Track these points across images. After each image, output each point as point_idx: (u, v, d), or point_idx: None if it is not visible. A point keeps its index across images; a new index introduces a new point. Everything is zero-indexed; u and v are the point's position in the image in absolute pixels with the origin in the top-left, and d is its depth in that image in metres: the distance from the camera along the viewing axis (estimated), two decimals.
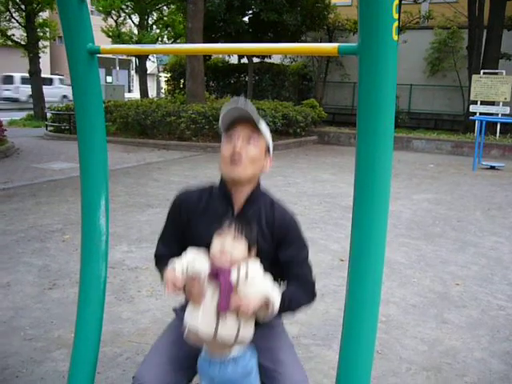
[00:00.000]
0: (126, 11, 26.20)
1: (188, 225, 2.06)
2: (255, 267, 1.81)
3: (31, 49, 20.79)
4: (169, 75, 22.42)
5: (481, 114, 14.26)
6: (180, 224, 2.09)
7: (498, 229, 6.73)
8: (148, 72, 28.63)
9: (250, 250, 1.84)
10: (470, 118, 13.98)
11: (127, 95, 29.20)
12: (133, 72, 48.33)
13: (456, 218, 7.20)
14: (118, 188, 8.18)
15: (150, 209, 7.06)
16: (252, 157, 1.94)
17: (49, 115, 17.20)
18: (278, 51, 1.51)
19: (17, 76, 30.75)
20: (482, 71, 15.66)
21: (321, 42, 20.68)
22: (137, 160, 11.49)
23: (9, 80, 31.44)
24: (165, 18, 26.33)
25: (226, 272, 1.77)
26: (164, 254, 2.11)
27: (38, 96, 21.25)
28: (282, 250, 2.00)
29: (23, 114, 21.52)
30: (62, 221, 6.39)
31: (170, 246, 2.12)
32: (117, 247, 5.28)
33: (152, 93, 31.72)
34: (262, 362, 1.98)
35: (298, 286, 1.98)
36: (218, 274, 1.76)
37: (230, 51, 1.52)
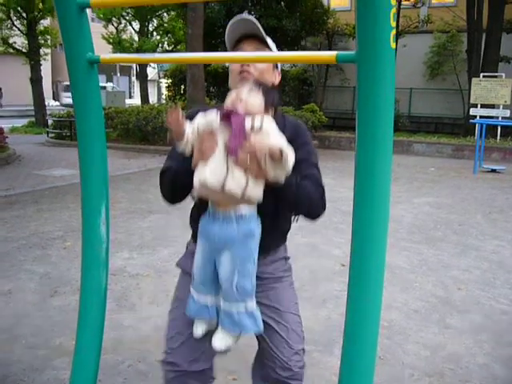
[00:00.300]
0: (127, 18, 26.29)
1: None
2: (270, 122, 1.75)
3: (32, 56, 20.87)
4: (169, 81, 22.45)
5: (481, 117, 14.26)
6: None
7: (500, 232, 6.72)
8: (149, 78, 28.72)
9: (267, 109, 1.80)
10: (471, 121, 13.98)
11: (128, 101, 29.22)
12: (133, 78, 48.42)
13: (457, 222, 7.20)
14: (119, 194, 8.19)
15: (151, 215, 7.06)
16: (260, 70, 1.98)
17: (50, 122, 17.25)
18: (277, 60, 1.52)
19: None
20: (481, 74, 15.67)
21: (320, 46, 20.74)
22: (138, 166, 11.51)
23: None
24: (165, 25, 26.41)
25: (239, 115, 1.71)
26: (170, 166, 2.05)
27: (39, 103, 21.30)
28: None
29: (25, 121, 21.56)
30: (64, 228, 6.39)
31: (178, 159, 1.98)
32: (118, 254, 5.28)
33: (153, 99, 31.76)
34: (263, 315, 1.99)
35: (310, 183, 1.96)
36: (230, 117, 1.70)
37: (229, 60, 1.53)
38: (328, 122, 18.00)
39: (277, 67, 2.12)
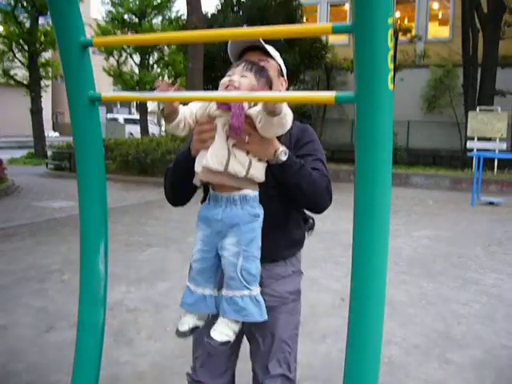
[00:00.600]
0: (128, 51, 26.65)
1: None
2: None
3: (33, 88, 21.08)
4: None
5: (478, 149, 14.35)
6: None
7: (499, 265, 6.69)
8: (148, 110, 28.94)
9: (262, 88, 1.82)
10: (468, 154, 14.06)
11: (127, 132, 29.40)
12: (133, 110, 48.81)
13: (456, 255, 7.17)
14: (118, 227, 8.17)
15: (149, 248, 7.04)
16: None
17: (49, 153, 17.33)
18: (276, 100, 1.55)
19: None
20: (477, 108, 15.84)
21: (319, 80, 20.98)
22: (136, 198, 11.52)
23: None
24: (165, 58, 26.76)
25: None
26: (175, 162, 2.07)
27: (38, 134, 21.43)
28: (297, 150, 2.02)
29: (24, 152, 21.65)
30: (62, 261, 6.36)
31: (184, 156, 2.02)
32: (116, 288, 5.24)
33: (152, 131, 31.96)
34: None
35: (315, 172, 1.95)
36: (227, 104, 1.72)
37: (229, 99, 1.55)
38: (327, 155, 18.00)
39: (282, 75, 2.14)
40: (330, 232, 8.11)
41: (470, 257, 7.10)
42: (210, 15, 18.30)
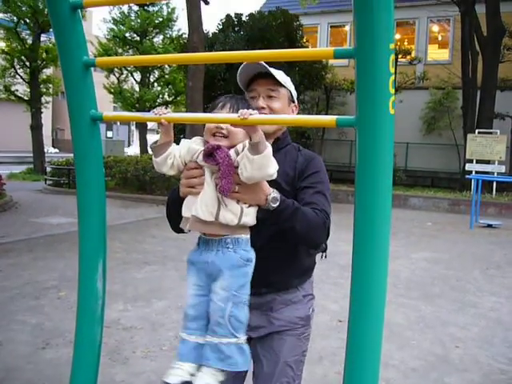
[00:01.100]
0: (128, 69, 26.80)
1: None
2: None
3: (34, 104, 21.17)
4: None
5: (477, 172, 14.42)
6: None
7: (497, 288, 6.67)
8: (148, 127, 29.03)
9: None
10: (467, 176, 14.11)
11: (127, 150, 29.49)
12: (133, 127, 48.97)
13: (455, 278, 7.15)
14: (116, 244, 8.14)
15: (147, 266, 7.01)
16: (276, 111, 2.00)
17: (48, 169, 17.34)
18: (277, 123, 1.56)
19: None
20: (476, 130, 15.93)
21: (318, 100, 21.09)
22: (135, 216, 11.51)
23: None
24: (166, 76, 26.89)
25: (222, 151, 1.65)
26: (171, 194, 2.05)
27: (38, 150, 21.47)
28: (300, 181, 1.98)
29: (23, 168, 21.68)
30: (58, 277, 6.33)
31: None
32: (113, 306, 5.21)
33: (151, 148, 32.02)
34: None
35: (310, 209, 1.88)
36: (213, 154, 1.66)
37: (230, 121, 1.56)
38: None
39: (293, 100, 2.14)
40: (328, 253, 8.08)
41: (468, 280, 7.08)
42: (211, 34, 18.45)
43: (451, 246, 9.62)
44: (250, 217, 1.75)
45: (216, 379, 1.70)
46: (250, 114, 1.50)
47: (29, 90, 21.70)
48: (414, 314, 5.54)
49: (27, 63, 21.02)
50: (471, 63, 17.25)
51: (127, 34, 25.47)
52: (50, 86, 23.39)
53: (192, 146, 1.79)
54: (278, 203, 1.75)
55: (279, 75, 2.05)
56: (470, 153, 15.47)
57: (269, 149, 1.63)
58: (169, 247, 8.16)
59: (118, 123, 44.67)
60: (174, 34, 26.24)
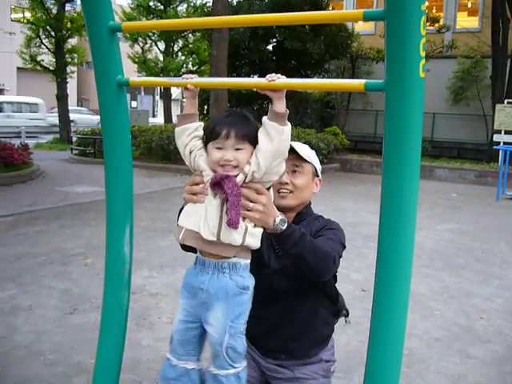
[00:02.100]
0: (153, 38, 26.71)
1: None
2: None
3: (59, 74, 21.28)
4: None
5: (505, 143, 14.11)
6: None
7: None
8: (172, 97, 29.03)
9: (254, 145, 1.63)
10: (494, 147, 13.85)
11: (151, 120, 29.57)
12: (157, 97, 49.03)
13: (480, 249, 7.09)
14: (141, 213, 8.23)
15: (171, 234, 7.07)
16: (300, 187, 1.99)
17: (74, 139, 17.51)
18: (305, 87, 1.53)
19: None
20: (506, 101, 15.55)
21: (344, 70, 20.78)
22: (160, 185, 11.59)
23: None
24: (190, 46, 26.76)
25: (230, 181, 1.57)
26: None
27: (64, 120, 21.65)
28: (315, 235, 1.94)
29: (49, 137, 21.92)
30: (85, 245, 6.44)
31: None
32: (138, 272, 5.29)
33: (176, 118, 32.09)
34: None
35: (319, 240, 1.86)
36: (220, 183, 1.58)
37: (258, 86, 1.54)
38: (350, 146, 17.99)
39: (317, 175, 2.09)
40: (352, 223, 8.08)
41: (493, 252, 7.01)
42: (235, 2, 18.24)
43: (477, 217, 9.51)
44: (254, 239, 1.66)
45: None
46: (278, 78, 1.48)
47: (54, 59, 21.78)
48: (437, 284, 5.53)
49: (52, 33, 21.07)
50: (502, 31, 16.76)
51: (151, 3, 25.33)
52: (75, 55, 23.47)
53: (199, 163, 1.70)
54: (286, 225, 1.67)
55: (303, 150, 2.01)
56: (498, 123, 15.13)
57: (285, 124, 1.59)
58: None
59: (143, 93, 44.76)
60: (198, 3, 26.01)
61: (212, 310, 1.68)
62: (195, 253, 1.81)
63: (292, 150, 1.96)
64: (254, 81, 1.56)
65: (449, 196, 12.09)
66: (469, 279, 5.76)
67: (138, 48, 27.50)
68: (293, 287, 1.94)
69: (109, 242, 1.93)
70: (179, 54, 27.91)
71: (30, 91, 38.90)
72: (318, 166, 2.10)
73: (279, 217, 1.67)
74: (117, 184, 1.88)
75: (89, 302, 4.60)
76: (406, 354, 3.79)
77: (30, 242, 6.49)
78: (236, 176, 1.59)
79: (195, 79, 1.65)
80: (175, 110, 35.44)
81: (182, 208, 1.81)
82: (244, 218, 1.62)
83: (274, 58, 18.29)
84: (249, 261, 1.72)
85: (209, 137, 1.66)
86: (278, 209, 1.83)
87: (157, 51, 27.97)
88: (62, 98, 21.61)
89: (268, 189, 1.68)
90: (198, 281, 1.70)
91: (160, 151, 14.52)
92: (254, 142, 1.61)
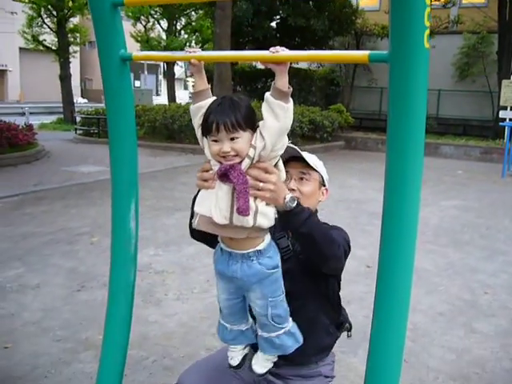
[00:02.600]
0: (155, 17, 26.52)
1: None
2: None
3: (62, 54, 21.19)
4: None
5: (511, 119, 14.01)
6: None
7: None
8: (176, 76, 28.90)
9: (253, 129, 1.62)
10: (500, 123, 13.75)
11: (155, 99, 29.49)
12: (160, 76, 48.82)
13: (485, 226, 7.09)
14: (146, 192, 8.25)
15: (176, 212, 7.11)
16: (306, 194, 1.98)
17: (78, 119, 17.50)
18: (308, 58, 1.52)
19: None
20: None
21: (348, 46, 20.60)
22: (164, 164, 11.60)
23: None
24: (193, 24, 26.57)
25: (235, 169, 1.57)
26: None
27: (67, 100, 21.60)
28: None
29: (53, 118, 21.91)
30: (90, 224, 6.48)
31: None
32: (144, 250, 5.33)
33: (179, 97, 31.99)
34: None
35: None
36: (227, 174, 1.58)
37: (263, 58, 1.52)
38: (355, 123, 17.89)
39: (324, 184, 2.09)
40: (357, 200, 8.09)
41: (498, 228, 7.02)
42: None
43: (482, 194, 9.50)
44: (266, 218, 1.66)
45: (270, 361, 1.88)
46: (282, 50, 1.47)
47: (56, 39, 21.67)
48: (442, 260, 5.55)
49: (54, 12, 20.90)
50: (509, 5, 16.52)
51: None
52: (77, 35, 23.34)
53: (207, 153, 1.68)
54: (295, 203, 1.68)
55: (311, 159, 2.02)
56: (504, 99, 14.99)
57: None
58: None
59: (146, 73, 44.52)
60: None
61: (251, 291, 1.75)
62: (205, 243, 1.88)
63: (299, 158, 1.98)
64: (258, 53, 1.54)
65: (454, 173, 12.06)
66: (473, 255, 5.77)
67: (140, 27, 27.32)
68: (295, 290, 1.94)
69: (114, 218, 1.94)
70: (182, 32, 27.74)
71: (33, 72, 38.81)
72: (326, 176, 2.10)
73: (289, 194, 1.68)
74: (122, 157, 1.88)
75: (95, 280, 4.65)
76: (411, 329, 3.82)
77: (36, 222, 6.53)
78: (240, 163, 1.59)
79: (198, 53, 1.64)
80: (178, 89, 35.30)
81: (197, 194, 1.80)
82: (255, 198, 1.63)
83: (278, 35, 18.12)
84: (269, 239, 1.74)
85: (204, 130, 1.64)
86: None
87: (159, 30, 27.79)
88: (65, 78, 21.53)
89: (275, 165, 1.68)
90: (230, 270, 1.73)
91: (164, 130, 14.50)
92: (250, 126, 1.59)
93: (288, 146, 1.94)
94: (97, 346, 3.29)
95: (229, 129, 1.56)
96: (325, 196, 2.12)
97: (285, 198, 1.67)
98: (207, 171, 1.70)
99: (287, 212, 1.69)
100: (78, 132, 16.72)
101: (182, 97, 34.13)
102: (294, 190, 1.97)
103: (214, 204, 1.63)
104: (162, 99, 34.90)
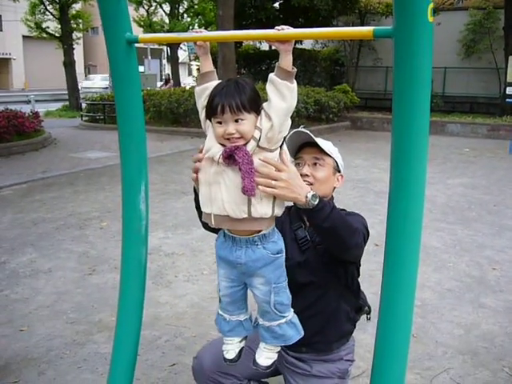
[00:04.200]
0: (157, 0, 26.36)
1: None
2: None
3: (65, 40, 21.14)
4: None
5: None
6: None
7: None
8: (179, 61, 28.78)
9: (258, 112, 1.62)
10: (507, 100, 13.64)
11: (159, 84, 29.42)
12: (164, 61, 48.58)
13: (492, 203, 7.09)
14: (153, 176, 8.28)
15: (184, 196, 7.15)
16: (320, 179, 2.00)
17: (83, 105, 17.51)
18: (313, 36, 1.53)
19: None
20: None
21: (352, 26, 20.40)
22: (170, 148, 11.61)
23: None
24: (195, 7, 26.39)
25: (240, 150, 1.57)
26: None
27: (72, 87, 21.60)
28: None
29: (58, 105, 21.92)
30: (100, 208, 6.53)
31: None
32: (153, 234, 5.37)
33: (184, 81, 31.88)
34: None
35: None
36: (232, 155, 1.57)
37: (268, 37, 1.53)
38: (360, 103, 17.81)
39: (339, 170, 2.09)
40: (364, 180, 8.09)
41: (506, 204, 7.01)
42: None
43: (489, 171, 9.47)
44: (281, 207, 1.70)
45: (275, 352, 1.86)
46: (288, 29, 1.48)
47: (59, 26, 21.61)
48: (450, 237, 5.56)
49: None
50: None
51: None
52: (80, 21, 23.24)
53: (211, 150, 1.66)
54: (317, 200, 1.69)
55: (325, 145, 2.03)
56: (511, 76, 14.87)
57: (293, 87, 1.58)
58: None
59: (150, 58, 44.32)
60: None
61: (254, 276, 1.74)
62: (216, 233, 1.85)
63: (313, 144, 2.00)
64: (263, 32, 1.55)
65: (461, 151, 12.00)
66: (481, 232, 5.78)
67: (142, 11, 27.17)
68: (315, 280, 1.99)
69: (125, 201, 1.97)
70: (185, 15, 27.58)
71: (37, 60, 38.76)
72: (341, 162, 2.10)
73: (310, 192, 1.69)
74: (131, 138, 1.90)
75: (107, 263, 4.70)
76: (420, 305, 3.86)
77: (46, 208, 6.59)
78: (246, 145, 1.59)
79: (204, 33, 1.65)
80: (183, 74, 35.16)
81: (195, 190, 1.85)
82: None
83: (281, 16, 17.98)
84: (273, 224, 1.73)
85: (209, 112, 1.65)
86: (298, 214, 1.97)
87: (162, 14, 27.63)
88: (69, 64, 21.51)
89: (281, 147, 1.65)
90: (234, 255, 1.72)
91: (169, 115, 14.50)
92: (255, 109, 1.60)
93: (301, 132, 1.97)
94: (110, 328, 3.35)
95: (233, 110, 1.56)
96: (340, 182, 2.12)
97: (307, 197, 1.67)
98: (199, 161, 1.73)
99: (310, 210, 1.70)
100: (84, 118, 16.74)
101: (186, 82, 33.97)
102: (307, 175, 1.98)
103: (226, 200, 1.61)
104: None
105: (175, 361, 3.15)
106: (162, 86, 24.33)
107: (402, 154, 1.41)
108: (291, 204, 1.85)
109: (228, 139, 1.59)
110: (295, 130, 1.99)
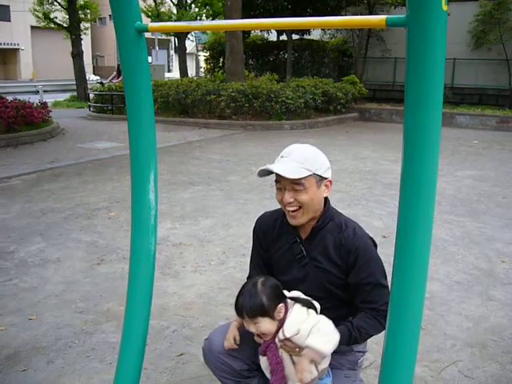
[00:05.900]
0: None
1: (268, 249, 2.18)
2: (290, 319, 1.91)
3: (73, 31, 21.14)
4: (208, 54, 22.43)
5: None
6: (261, 248, 2.21)
7: None
8: (187, 51, 28.69)
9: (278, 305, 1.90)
10: None
11: (167, 75, 29.39)
12: (172, 51, 48.52)
13: (501, 195, 7.05)
14: (161, 166, 8.26)
15: (192, 186, 7.15)
16: (304, 202, 1.97)
17: (91, 96, 17.53)
18: (324, 24, 1.51)
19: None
20: None
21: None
22: (178, 139, 11.62)
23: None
24: None
25: (271, 348, 1.91)
26: (254, 277, 2.10)
27: (80, 77, 21.62)
28: (351, 275, 2.01)
29: (66, 95, 21.96)
30: (108, 199, 6.54)
31: (259, 268, 2.21)
32: (161, 224, 5.37)
33: (191, 72, 31.82)
34: None
35: (368, 314, 2.00)
36: (266, 351, 1.93)
37: (279, 25, 1.52)
38: (368, 94, 17.71)
39: (323, 178, 2.00)
40: (372, 172, 8.06)
41: None
42: None
43: (498, 164, 9.41)
44: (325, 361, 1.90)
45: None
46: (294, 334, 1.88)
47: (67, 16, 21.60)
48: (458, 229, 5.54)
49: None
50: None
51: None
52: (88, 11, 23.22)
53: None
54: (345, 343, 1.94)
55: (298, 170, 1.92)
56: None
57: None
58: (213, 168, 8.28)
59: (157, 48, 44.28)
60: None
61: None
62: None
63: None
64: (273, 21, 1.53)
65: (470, 143, 11.93)
66: (490, 224, 5.75)
67: (150, 1, 27.06)
68: (318, 294, 2.04)
69: (134, 188, 1.96)
70: (192, 5, 27.42)
71: (45, 50, 38.79)
72: (323, 169, 1.98)
73: (321, 365, 1.90)
74: (140, 127, 1.90)
75: (115, 253, 4.72)
76: (428, 297, 3.84)
77: (55, 198, 6.61)
78: (274, 338, 1.90)
79: (216, 21, 1.64)
80: (190, 64, 35.07)
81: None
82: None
83: (290, 6, 17.86)
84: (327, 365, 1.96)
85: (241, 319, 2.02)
86: (292, 227, 2.02)
87: (170, 4, 27.51)
88: (77, 55, 21.52)
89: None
90: None
91: (177, 105, 14.49)
92: (267, 313, 1.87)
93: (268, 170, 1.97)
94: (118, 317, 3.37)
95: (250, 316, 1.89)
96: (329, 188, 2.04)
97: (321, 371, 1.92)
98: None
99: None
100: (92, 109, 16.76)
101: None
102: (290, 202, 1.96)
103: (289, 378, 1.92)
104: (173, 75, 34.74)
105: (183, 351, 3.16)
106: (113, 79, 24.13)
107: (414, 147, 1.39)
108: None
109: (258, 335, 1.96)
110: (261, 169, 1.99)
